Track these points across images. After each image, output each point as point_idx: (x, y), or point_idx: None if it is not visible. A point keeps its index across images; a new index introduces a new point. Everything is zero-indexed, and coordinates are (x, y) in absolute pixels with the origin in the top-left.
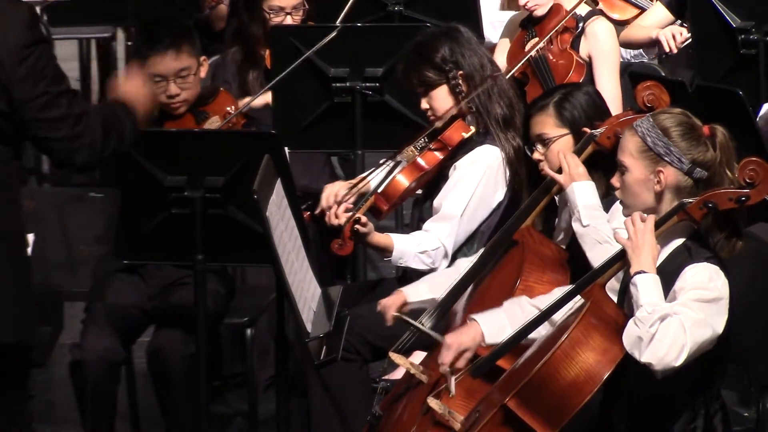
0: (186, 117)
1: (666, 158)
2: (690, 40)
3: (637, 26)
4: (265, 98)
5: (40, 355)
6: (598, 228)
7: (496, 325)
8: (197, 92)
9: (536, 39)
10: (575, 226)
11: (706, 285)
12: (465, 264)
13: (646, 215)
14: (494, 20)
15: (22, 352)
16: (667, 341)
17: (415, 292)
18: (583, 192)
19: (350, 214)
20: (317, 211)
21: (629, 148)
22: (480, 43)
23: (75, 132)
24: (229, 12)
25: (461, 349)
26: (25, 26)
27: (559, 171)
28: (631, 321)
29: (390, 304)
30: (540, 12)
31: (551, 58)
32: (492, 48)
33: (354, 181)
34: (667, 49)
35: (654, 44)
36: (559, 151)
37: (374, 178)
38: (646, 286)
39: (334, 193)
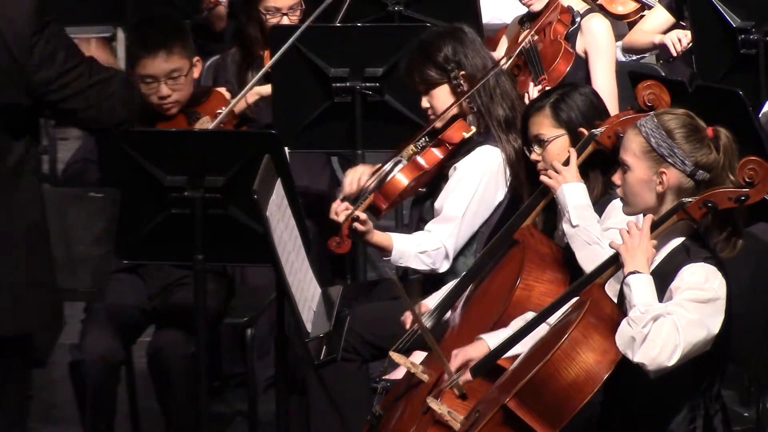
0: (178, 118)
1: (669, 160)
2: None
3: (639, 31)
4: (257, 91)
5: (40, 356)
6: (588, 229)
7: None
8: (189, 93)
9: (529, 30)
10: (565, 227)
11: (702, 285)
12: None
13: (641, 222)
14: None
15: (31, 345)
16: (660, 341)
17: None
18: (572, 193)
19: (349, 211)
20: (341, 197)
21: (632, 147)
22: (483, 44)
23: (101, 97)
24: (229, 13)
25: (466, 358)
26: (33, 13)
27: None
28: (624, 321)
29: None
30: (536, 7)
31: (542, 48)
32: (499, 31)
33: (376, 167)
34: (674, 53)
35: (657, 49)
36: (551, 162)
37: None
38: (639, 287)
39: (357, 178)
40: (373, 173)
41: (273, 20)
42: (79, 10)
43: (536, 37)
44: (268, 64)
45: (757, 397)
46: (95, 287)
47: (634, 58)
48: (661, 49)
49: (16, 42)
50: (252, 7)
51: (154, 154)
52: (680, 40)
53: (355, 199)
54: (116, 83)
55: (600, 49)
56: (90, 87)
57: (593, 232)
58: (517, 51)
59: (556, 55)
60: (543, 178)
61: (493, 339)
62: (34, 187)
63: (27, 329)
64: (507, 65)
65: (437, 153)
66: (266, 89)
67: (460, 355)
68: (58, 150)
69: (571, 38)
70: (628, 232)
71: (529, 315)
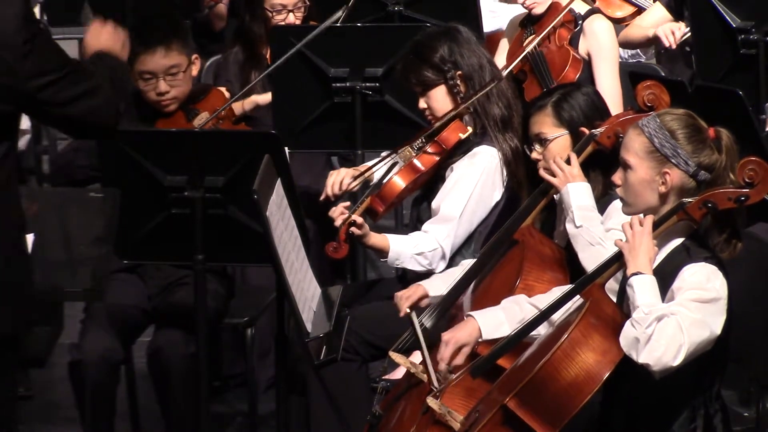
0: (177, 115)
1: (673, 160)
2: (688, 35)
3: (636, 26)
4: (254, 100)
5: (40, 355)
6: (591, 229)
7: (493, 321)
8: (188, 90)
9: (534, 36)
10: (568, 227)
11: (704, 285)
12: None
13: (644, 218)
14: (487, 9)
15: (15, 345)
16: (664, 341)
17: (433, 287)
18: (577, 193)
19: (345, 216)
20: (321, 198)
21: (635, 147)
22: (480, 44)
23: (92, 104)
24: (229, 12)
25: (458, 344)
26: (23, 20)
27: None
28: (627, 322)
29: (407, 296)
30: (538, 10)
31: (548, 54)
32: (486, 37)
33: (360, 169)
34: (666, 44)
35: (652, 43)
36: (554, 158)
37: (378, 170)
38: (643, 287)
39: (339, 181)
40: (357, 176)
41: (278, 18)
42: (79, 10)
43: (540, 43)
44: (270, 68)
45: (757, 397)
46: (95, 287)
47: (629, 54)
48: (656, 42)
49: (9, 50)
50: (257, 5)
51: (154, 154)
52: (673, 32)
53: (352, 202)
54: (103, 92)
55: (604, 51)
56: (80, 95)
57: (596, 232)
58: (522, 56)
59: (565, 63)
60: (545, 174)
61: (483, 317)
62: (14, 187)
63: None
64: (513, 69)
65: (434, 155)
66: (264, 98)
67: (451, 342)
68: (58, 150)
69: (573, 41)
70: (630, 226)
71: (521, 298)
